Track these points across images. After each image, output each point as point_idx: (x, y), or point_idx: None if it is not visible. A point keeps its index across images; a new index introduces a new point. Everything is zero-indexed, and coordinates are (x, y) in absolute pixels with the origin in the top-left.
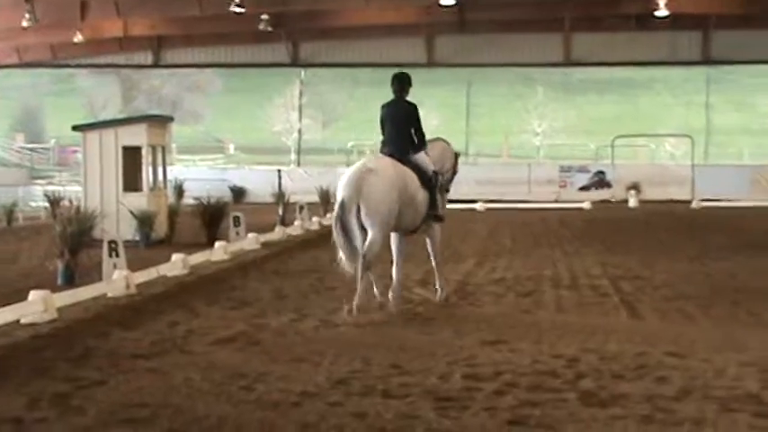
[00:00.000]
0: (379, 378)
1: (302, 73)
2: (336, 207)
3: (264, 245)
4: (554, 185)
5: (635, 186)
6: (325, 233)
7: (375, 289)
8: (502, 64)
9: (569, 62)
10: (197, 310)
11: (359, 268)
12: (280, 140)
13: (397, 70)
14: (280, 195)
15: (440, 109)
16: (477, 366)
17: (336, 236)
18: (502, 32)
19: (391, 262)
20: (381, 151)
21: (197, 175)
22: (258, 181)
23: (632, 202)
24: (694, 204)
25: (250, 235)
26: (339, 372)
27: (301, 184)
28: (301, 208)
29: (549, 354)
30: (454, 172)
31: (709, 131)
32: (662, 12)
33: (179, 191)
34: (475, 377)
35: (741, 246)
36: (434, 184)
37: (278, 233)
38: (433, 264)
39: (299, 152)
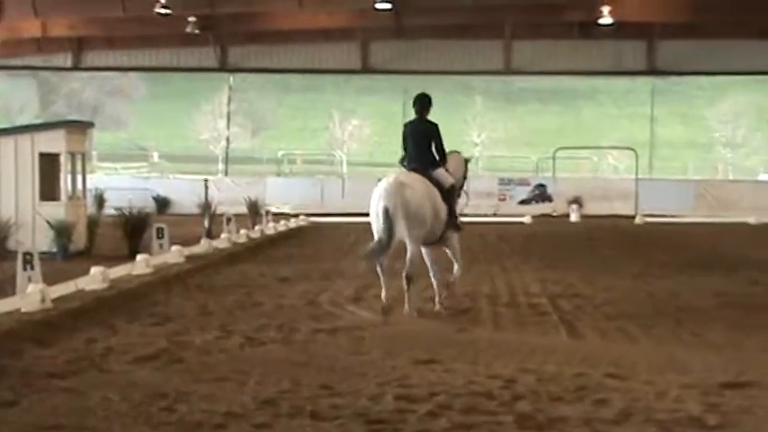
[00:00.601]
0: (308, 399)
1: (231, 78)
2: (380, 214)
3: (189, 258)
4: (493, 199)
5: (577, 200)
6: (253, 246)
7: (414, 297)
8: (440, 71)
9: (510, 70)
10: (116, 326)
11: (382, 266)
12: (207, 149)
13: (419, 92)
14: (206, 206)
15: (374, 117)
16: (409, 387)
17: (381, 236)
18: (440, 38)
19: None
20: (405, 167)
21: (119, 184)
22: (183, 191)
23: (574, 217)
24: (638, 220)
25: (174, 248)
26: (266, 392)
27: (229, 194)
28: (228, 220)
29: (485, 374)
30: (464, 177)
31: (653, 144)
32: (606, 20)
33: (99, 200)
34: (407, 398)
35: (684, 263)
36: (453, 197)
37: (203, 246)
38: (455, 268)
39: (226, 161)
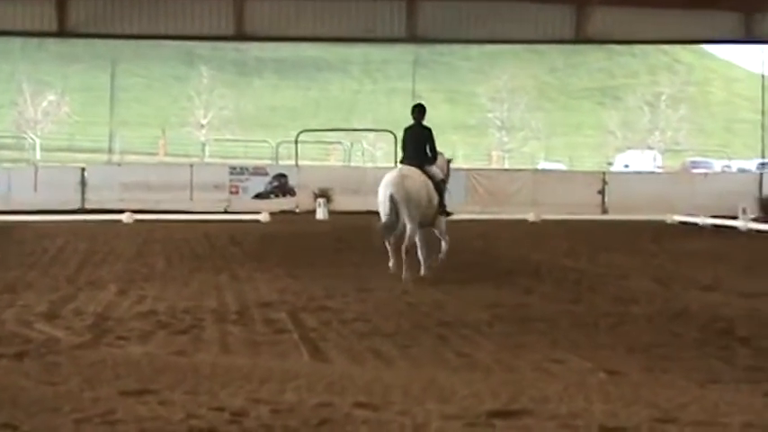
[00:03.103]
0: None
1: None
2: (386, 200)
3: None
4: (223, 192)
5: (324, 194)
6: None
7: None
8: (156, 35)
9: (242, 36)
10: None
11: (391, 242)
12: None
13: (417, 101)
14: None
15: (76, 92)
16: (115, 424)
17: (387, 218)
18: None
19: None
20: (405, 164)
21: None
22: None
23: (321, 214)
24: None
25: None
26: None
27: None
28: None
29: (208, 406)
30: (448, 174)
31: None
32: None
33: None
34: None
35: (450, 269)
36: (443, 188)
37: None
38: (443, 245)
39: None
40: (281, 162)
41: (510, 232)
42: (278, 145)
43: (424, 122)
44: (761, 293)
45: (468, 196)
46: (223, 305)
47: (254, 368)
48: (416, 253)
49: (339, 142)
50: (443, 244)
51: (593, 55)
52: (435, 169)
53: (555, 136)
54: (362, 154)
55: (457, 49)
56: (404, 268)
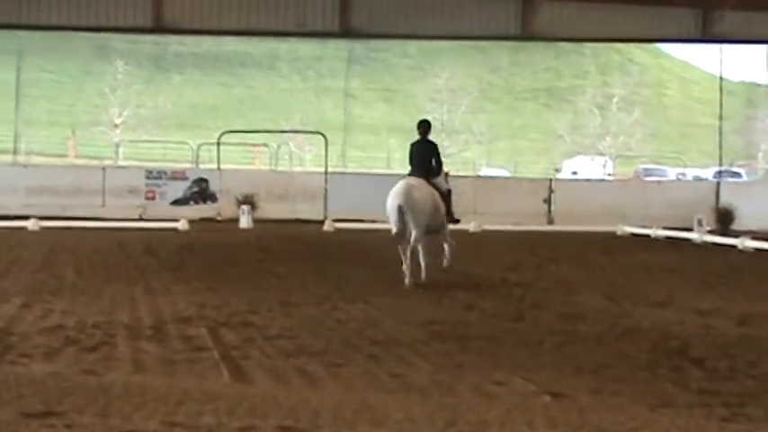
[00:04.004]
0: None
1: None
2: (395, 209)
3: None
4: (138, 197)
5: (248, 200)
6: None
7: (410, 269)
8: (66, 27)
9: (160, 27)
10: None
11: (404, 249)
12: None
13: (421, 118)
14: None
15: None
16: None
17: (397, 226)
18: None
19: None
20: (413, 175)
21: None
22: None
23: (244, 222)
24: (327, 226)
25: None
26: None
27: None
28: None
29: (120, 430)
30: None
31: (348, 128)
32: None
33: None
34: None
35: (386, 283)
36: (449, 197)
37: None
38: (446, 249)
39: None
40: (201, 166)
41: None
42: (198, 147)
43: (430, 137)
44: (716, 310)
45: None
46: (137, 320)
47: (169, 389)
48: (420, 259)
49: (265, 144)
50: (447, 247)
51: (541, 53)
52: (441, 180)
53: (498, 140)
54: (290, 157)
55: (394, 45)
56: (407, 273)
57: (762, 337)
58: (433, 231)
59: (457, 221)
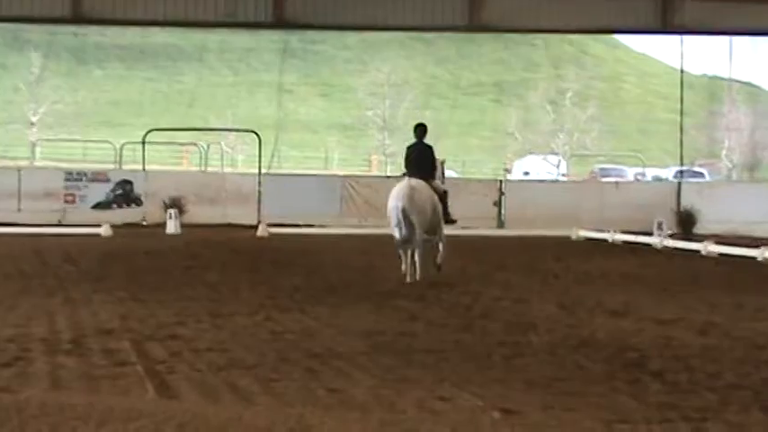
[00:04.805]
0: None
1: None
2: (398, 211)
3: None
4: (57, 201)
5: (176, 204)
6: None
7: (417, 269)
8: None
9: (80, 17)
10: None
11: (406, 251)
12: None
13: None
14: None
15: None
16: None
17: (400, 229)
18: None
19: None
20: (411, 176)
21: None
22: None
23: (172, 227)
24: (261, 231)
25: None
26: None
27: None
28: None
29: None
30: (443, 177)
31: (284, 125)
32: None
33: None
34: None
35: (325, 292)
36: (446, 198)
37: None
38: (440, 248)
39: None
40: (125, 166)
41: (391, 248)
42: (122, 146)
43: (426, 140)
44: (677, 320)
45: (343, 207)
46: (55, 333)
47: (90, 407)
48: (415, 257)
49: (194, 144)
50: (441, 247)
51: (489, 45)
52: (438, 182)
53: (445, 138)
54: (221, 157)
55: (332, 36)
56: (408, 272)
57: (724, 349)
58: (430, 232)
59: (453, 222)
